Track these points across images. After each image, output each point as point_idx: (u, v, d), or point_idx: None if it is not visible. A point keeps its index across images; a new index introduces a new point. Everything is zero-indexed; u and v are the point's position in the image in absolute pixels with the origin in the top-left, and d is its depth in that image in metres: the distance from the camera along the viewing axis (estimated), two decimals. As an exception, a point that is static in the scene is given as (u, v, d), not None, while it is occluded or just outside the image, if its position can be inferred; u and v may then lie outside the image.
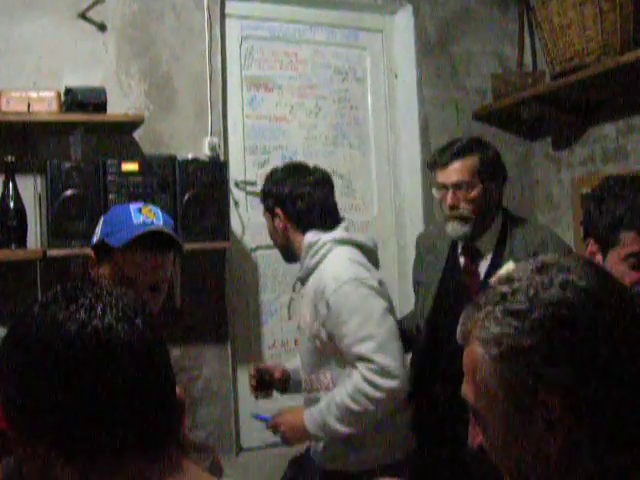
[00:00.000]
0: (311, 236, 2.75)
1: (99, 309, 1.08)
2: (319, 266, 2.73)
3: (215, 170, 3.47)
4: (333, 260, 2.72)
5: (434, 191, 2.94)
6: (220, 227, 3.40)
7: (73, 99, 3.24)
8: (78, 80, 3.37)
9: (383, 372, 2.51)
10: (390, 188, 4.27)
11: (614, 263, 2.07)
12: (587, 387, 1.01)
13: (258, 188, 3.77)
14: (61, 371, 1.04)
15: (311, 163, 2.96)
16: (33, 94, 3.21)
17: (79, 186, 3.16)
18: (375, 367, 2.51)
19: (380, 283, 2.71)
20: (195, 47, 3.72)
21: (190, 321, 3.45)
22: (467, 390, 1.12)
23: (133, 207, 2.16)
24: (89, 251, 2.18)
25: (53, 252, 3.16)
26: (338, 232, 2.77)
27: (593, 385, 1.00)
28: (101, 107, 3.28)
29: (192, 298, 3.59)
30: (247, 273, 3.88)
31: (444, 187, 2.86)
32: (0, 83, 3.24)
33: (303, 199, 2.78)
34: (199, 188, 3.38)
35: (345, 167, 4.10)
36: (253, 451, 3.80)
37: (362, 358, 2.54)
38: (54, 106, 3.23)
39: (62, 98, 3.28)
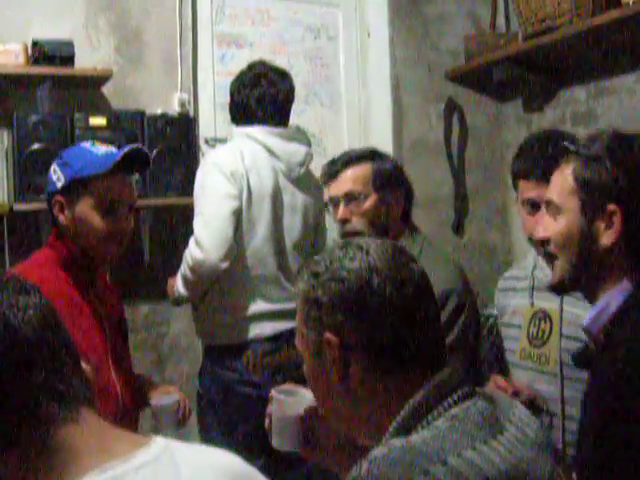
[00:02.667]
0: (234, 129, 3.07)
1: None
2: None
3: (184, 126, 3.47)
4: (222, 147, 3.09)
5: (327, 207, 2.67)
6: (188, 183, 3.38)
7: (40, 52, 3.20)
8: (46, 33, 3.32)
9: (196, 242, 2.79)
10: (361, 147, 4.25)
11: (519, 210, 2.32)
12: (354, 331, 1.30)
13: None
14: None
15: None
16: (-1, 46, 3.17)
17: (46, 140, 3.14)
18: (195, 238, 2.81)
19: (246, 177, 2.87)
20: (165, 1, 3.68)
21: (158, 277, 3.45)
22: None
23: (84, 145, 2.21)
24: (57, 198, 2.14)
25: (20, 206, 3.15)
26: (249, 128, 2.98)
27: (358, 329, 1.29)
28: (69, 60, 3.24)
29: (160, 254, 3.60)
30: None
31: (336, 201, 2.55)
32: (-34, 35, 3.20)
33: (233, 98, 3.07)
34: (167, 144, 3.38)
35: (316, 125, 4.09)
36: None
37: (193, 229, 2.83)
38: (21, 59, 3.19)
39: (29, 51, 3.24)
